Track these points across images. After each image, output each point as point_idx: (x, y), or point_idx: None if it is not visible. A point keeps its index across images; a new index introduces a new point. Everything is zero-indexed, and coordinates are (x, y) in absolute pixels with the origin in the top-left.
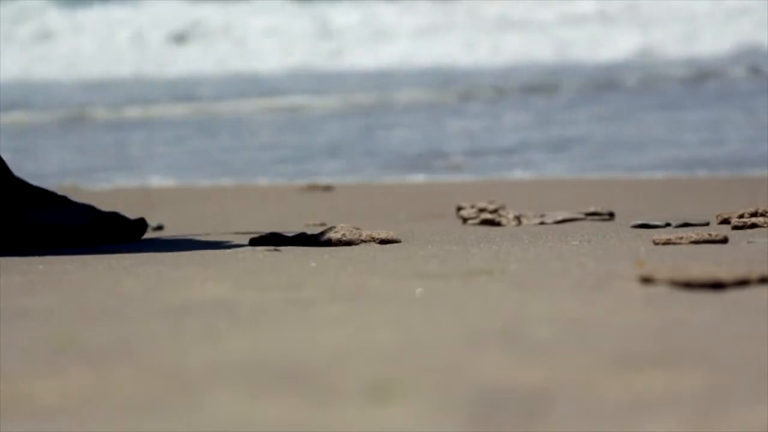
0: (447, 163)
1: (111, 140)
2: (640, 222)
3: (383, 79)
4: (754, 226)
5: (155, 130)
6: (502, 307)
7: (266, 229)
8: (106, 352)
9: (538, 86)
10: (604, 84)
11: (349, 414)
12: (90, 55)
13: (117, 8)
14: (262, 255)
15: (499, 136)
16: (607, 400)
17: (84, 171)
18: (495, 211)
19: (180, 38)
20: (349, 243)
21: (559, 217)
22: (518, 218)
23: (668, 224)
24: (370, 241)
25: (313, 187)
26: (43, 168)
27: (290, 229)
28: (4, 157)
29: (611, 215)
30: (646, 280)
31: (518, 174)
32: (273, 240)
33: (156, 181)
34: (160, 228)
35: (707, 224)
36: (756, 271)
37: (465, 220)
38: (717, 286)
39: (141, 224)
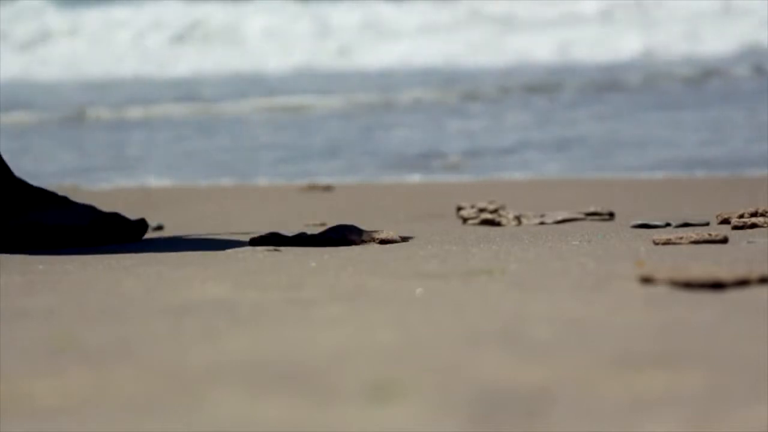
0: (447, 163)
1: (111, 140)
2: (640, 222)
3: (385, 79)
4: (754, 226)
5: (155, 131)
6: (502, 307)
7: (266, 229)
8: (106, 352)
9: (540, 86)
10: (606, 84)
11: (349, 414)
12: (90, 56)
13: (117, 8)
14: (262, 255)
15: (499, 136)
16: (607, 400)
17: (84, 171)
18: (495, 211)
19: (180, 38)
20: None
21: (559, 217)
22: (518, 218)
23: (668, 224)
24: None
25: (313, 187)
26: (43, 168)
27: (290, 229)
28: (4, 157)
29: (611, 215)
30: (646, 280)
31: (518, 174)
32: (273, 240)
33: (156, 181)
34: (160, 228)
35: (707, 224)
36: (756, 271)
37: (465, 220)
38: (717, 286)
39: (141, 224)
